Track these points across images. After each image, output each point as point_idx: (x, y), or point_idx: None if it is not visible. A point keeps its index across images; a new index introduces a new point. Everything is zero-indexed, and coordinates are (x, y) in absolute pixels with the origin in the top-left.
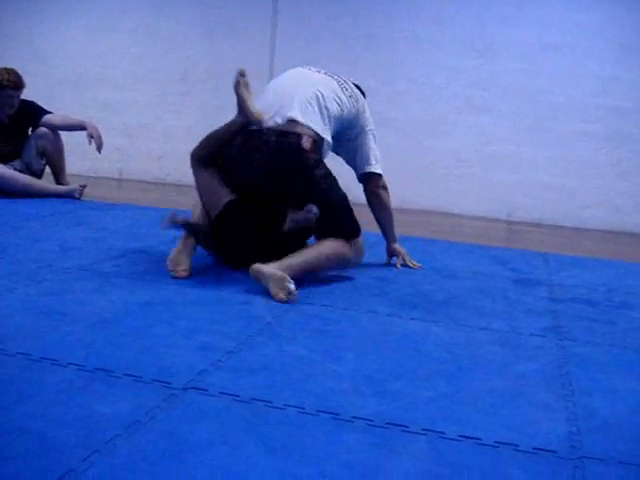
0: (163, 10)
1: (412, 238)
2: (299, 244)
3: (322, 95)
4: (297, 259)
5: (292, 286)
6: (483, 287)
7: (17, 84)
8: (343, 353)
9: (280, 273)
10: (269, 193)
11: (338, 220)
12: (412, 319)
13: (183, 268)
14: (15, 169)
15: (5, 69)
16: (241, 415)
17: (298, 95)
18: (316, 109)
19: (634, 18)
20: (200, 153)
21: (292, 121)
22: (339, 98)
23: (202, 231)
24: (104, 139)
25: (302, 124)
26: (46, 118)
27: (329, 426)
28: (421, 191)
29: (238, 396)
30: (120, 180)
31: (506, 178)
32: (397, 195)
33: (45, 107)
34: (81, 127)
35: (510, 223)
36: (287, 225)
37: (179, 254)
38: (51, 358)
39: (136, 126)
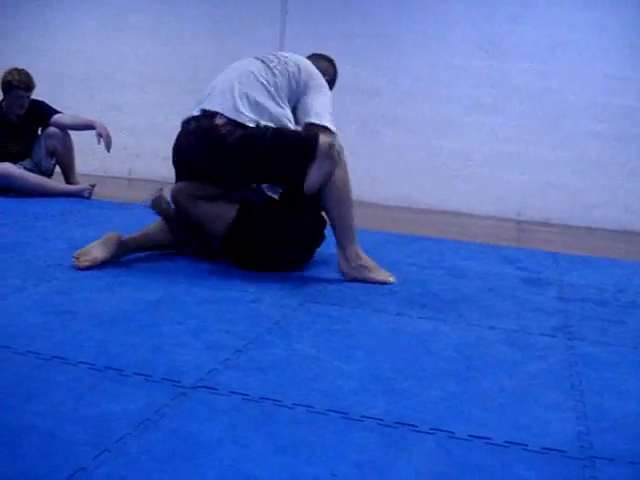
0: (171, 9)
1: (421, 237)
2: (317, 233)
3: (240, 83)
4: (340, 229)
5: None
6: (493, 287)
7: (27, 85)
8: (352, 352)
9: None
10: (213, 170)
11: (293, 148)
12: (421, 318)
13: (87, 258)
14: (25, 168)
15: (16, 69)
16: (250, 414)
17: (215, 91)
18: (229, 96)
19: None
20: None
21: (204, 110)
22: (263, 76)
23: (175, 221)
24: (113, 139)
25: (213, 111)
26: (56, 118)
27: (338, 425)
28: (430, 191)
29: (247, 395)
30: (129, 180)
31: (515, 178)
32: (406, 194)
33: (55, 107)
34: (90, 126)
35: (520, 223)
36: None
37: (93, 247)
38: (61, 357)
39: (145, 126)
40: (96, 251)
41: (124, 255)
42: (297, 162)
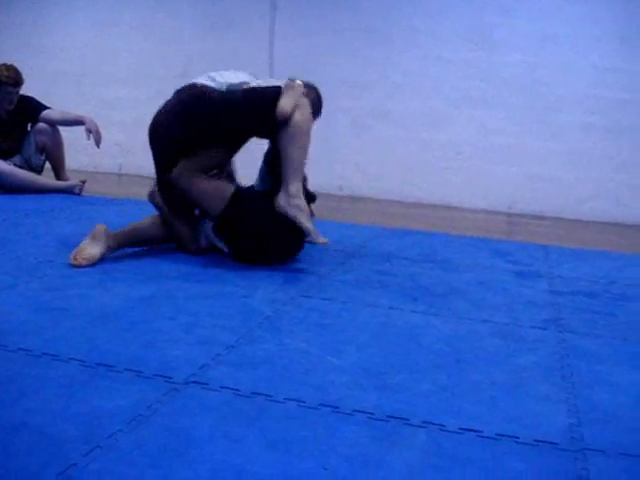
0: (162, 6)
1: (412, 231)
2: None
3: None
4: (287, 168)
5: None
6: (483, 280)
7: (16, 80)
8: (343, 346)
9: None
10: (195, 129)
11: (258, 97)
12: (413, 312)
13: (84, 257)
14: (15, 165)
15: (4, 65)
16: (242, 409)
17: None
18: (205, 75)
19: (634, 9)
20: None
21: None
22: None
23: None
24: (104, 135)
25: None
26: (45, 113)
27: (330, 419)
28: (420, 184)
29: (239, 390)
30: (120, 175)
31: (506, 170)
32: (396, 188)
33: (44, 103)
34: (80, 122)
35: (510, 215)
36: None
37: (87, 245)
38: (52, 353)
39: (135, 122)
40: (91, 248)
41: (116, 249)
42: (265, 98)
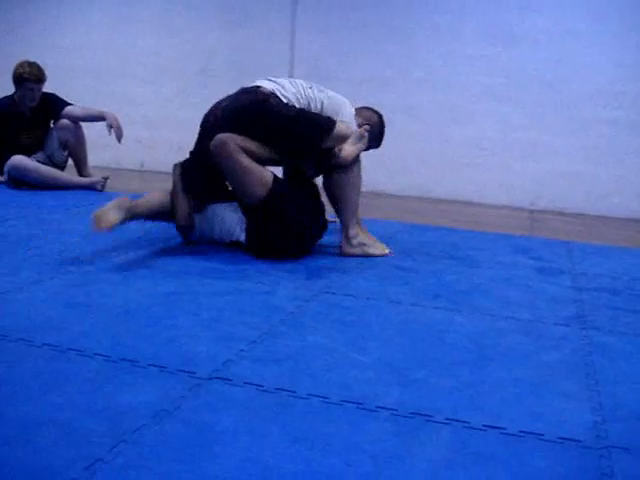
0: (182, 2)
1: (434, 227)
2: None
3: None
4: (346, 212)
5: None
6: (506, 276)
7: (38, 77)
8: (366, 343)
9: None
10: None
11: (307, 129)
12: (435, 308)
13: (103, 225)
14: (38, 161)
15: (27, 62)
16: (265, 405)
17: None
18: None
19: None
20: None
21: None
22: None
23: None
24: (125, 131)
25: (261, 86)
26: (67, 110)
27: (353, 416)
28: (442, 180)
29: (262, 386)
30: (142, 172)
31: (528, 166)
32: (418, 184)
33: (66, 99)
34: (101, 118)
35: (532, 212)
36: None
37: (109, 210)
38: (77, 349)
39: (157, 118)
40: (112, 215)
41: (131, 220)
42: (314, 133)
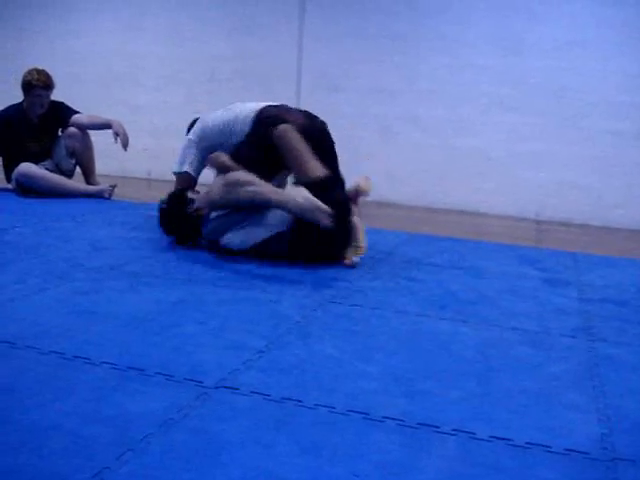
0: (189, 10)
1: (440, 238)
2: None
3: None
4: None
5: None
6: (512, 287)
7: (47, 84)
8: (373, 353)
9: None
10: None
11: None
12: (441, 319)
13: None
14: (46, 169)
15: (35, 69)
16: (272, 414)
17: None
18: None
19: None
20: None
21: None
22: None
23: None
24: (132, 140)
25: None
26: (74, 118)
27: (360, 426)
28: (448, 190)
29: (269, 395)
30: (149, 180)
31: (534, 177)
32: (425, 194)
33: (74, 107)
34: (107, 126)
35: (539, 222)
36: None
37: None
38: (84, 357)
39: (164, 127)
40: None
41: None
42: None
